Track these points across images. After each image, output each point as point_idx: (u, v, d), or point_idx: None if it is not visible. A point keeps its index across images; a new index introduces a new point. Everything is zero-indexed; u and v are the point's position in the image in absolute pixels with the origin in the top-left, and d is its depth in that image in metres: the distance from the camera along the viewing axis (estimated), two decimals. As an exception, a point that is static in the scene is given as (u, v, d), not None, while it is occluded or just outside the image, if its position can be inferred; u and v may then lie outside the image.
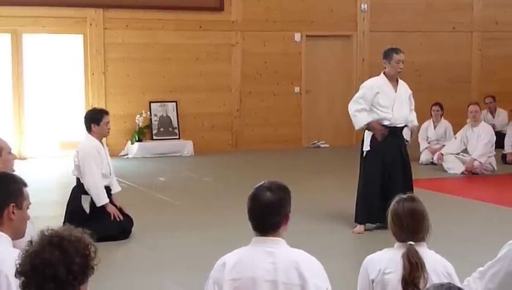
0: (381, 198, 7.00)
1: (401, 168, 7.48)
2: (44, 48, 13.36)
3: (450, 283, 2.33)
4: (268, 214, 3.31)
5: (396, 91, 7.54)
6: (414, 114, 7.79)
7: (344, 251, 6.93)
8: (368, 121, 7.44)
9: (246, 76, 14.29)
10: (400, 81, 7.65)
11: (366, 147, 7.51)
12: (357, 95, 7.64)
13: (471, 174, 11.13)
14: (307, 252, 3.40)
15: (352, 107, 7.57)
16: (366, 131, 7.56)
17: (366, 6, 15.01)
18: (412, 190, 7.29)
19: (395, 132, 7.53)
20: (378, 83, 7.58)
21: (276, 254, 3.28)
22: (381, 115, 7.46)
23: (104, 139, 7.38)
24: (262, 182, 3.42)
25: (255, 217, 3.34)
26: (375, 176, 7.41)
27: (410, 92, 7.73)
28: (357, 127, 7.64)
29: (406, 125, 7.69)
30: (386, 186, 7.29)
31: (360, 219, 7.47)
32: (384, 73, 7.59)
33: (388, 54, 7.53)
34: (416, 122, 7.84)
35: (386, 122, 7.47)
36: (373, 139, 7.47)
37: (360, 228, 7.40)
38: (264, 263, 3.27)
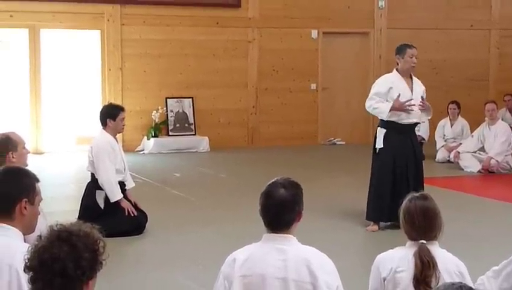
0: (393, 196, 6.95)
1: (413, 166, 7.40)
2: (62, 44, 13.43)
3: (461, 282, 2.32)
4: (282, 211, 3.31)
5: (410, 88, 7.45)
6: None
7: (356, 249, 6.91)
8: (390, 106, 7.30)
9: (262, 72, 14.29)
10: (414, 79, 7.56)
11: (379, 144, 7.43)
12: (370, 93, 7.57)
13: (488, 172, 11.07)
14: (319, 249, 3.39)
15: (369, 104, 7.49)
16: (379, 128, 7.49)
17: (383, 3, 14.95)
18: (422, 188, 7.25)
19: (408, 129, 7.47)
20: (391, 78, 7.51)
21: (287, 251, 3.28)
22: (395, 112, 7.37)
23: (118, 135, 7.40)
24: (276, 179, 3.42)
25: (268, 213, 3.34)
26: (387, 174, 7.34)
27: (424, 87, 7.62)
28: (385, 116, 7.38)
29: (418, 123, 7.66)
30: (399, 184, 7.24)
31: (371, 216, 7.43)
32: (397, 69, 7.51)
33: (401, 49, 7.46)
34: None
35: (399, 119, 7.35)
36: (386, 136, 7.40)
37: (374, 226, 7.37)
38: (274, 260, 3.26)
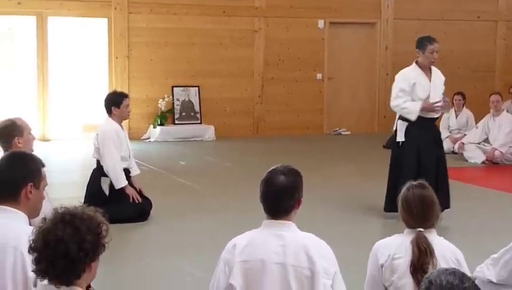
0: None
1: (434, 160, 7.26)
2: (69, 31, 13.47)
3: (455, 268, 2.36)
4: (281, 198, 3.36)
5: (430, 80, 7.34)
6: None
7: (357, 237, 6.96)
8: (419, 106, 7.22)
9: (268, 62, 14.32)
10: (433, 69, 7.43)
11: (401, 138, 7.32)
12: (395, 91, 7.40)
13: (492, 163, 11.10)
14: (320, 237, 3.44)
15: (396, 103, 7.35)
16: (399, 121, 7.37)
17: (390, -7, 14.95)
18: (445, 182, 7.23)
19: (429, 123, 7.37)
20: (412, 73, 7.36)
21: (286, 237, 3.33)
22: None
23: (124, 123, 7.45)
24: (276, 166, 3.46)
25: (268, 200, 3.39)
26: (409, 167, 7.19)
27: (444, 78, 7.51)
28: (414, 117, 7.27)
29: (439, 116, 7.57)
30: (420, 177, 7.11)
31: (388, 208, 7.33)
32: (416, 62, 7.38)
33: (421, 44, 7.32)
34: None
35: (421, 114, 7.27)
36: (407, 130, 7.29)
37: None
38: (273, 246, 3.31)
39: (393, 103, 7.40)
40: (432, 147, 7.31)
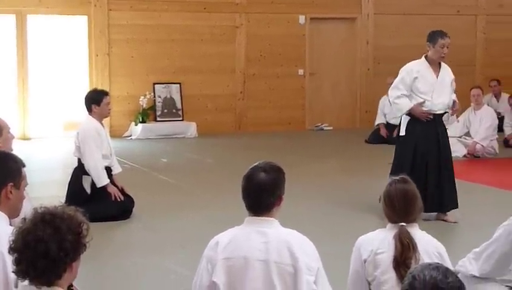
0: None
1: (435, 156, 7.13)
2: (49, 29, 13.39)
3: (438, 263, 2.37)
4: (262, 195, 3.35)
5: (437, 76, 7.22)
6: (454, 95, 7.45)
7: (340, 232, 6.96)
8: (410, 106, 7.14)
9: (249, 58, 14.30)
10: (443, 65, 7.32)
11: (402, 132, 7.26)
12: (396, 80, 7.31)
13: (473, 157, 11.16)
14: (302, 233, 3.44)
15: (392, 94, 7.28)
16: (404, 115, 7.29)
17: (371, -12, 14.97)
18: (447, 179, 7.14)
19: (433, 119, 7.20)
20: (418, 67, 7.24)
21: (268, 233, 3.32)
22: (419, 101, 7.16)
23: (105, 120, 7.42)
24: (257, 163, 3.46)
25: (249, 197, 3.39)
26: (405, 162, 7.10)
27: (453, 76, 7.41)
28: (399, 114, 7.30)
29: (446, 112, 7.32)
30: (417, 173, 6.89)
31: None
32: (426, 56, 7.26)
33: (433, 37, 7.21)
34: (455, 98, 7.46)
35: (424, 109, 7.17)
36: (409, 124, 7.21)
37: None
38: (256, 243, 3.30)
39: (391, 92, 7.33)
40: (433, 144, 7.15)
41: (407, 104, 7.18)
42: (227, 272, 3.29)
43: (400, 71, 7.40)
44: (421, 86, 7.18)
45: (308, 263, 3.27)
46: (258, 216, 3.37)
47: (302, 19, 14.61)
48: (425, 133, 7.15)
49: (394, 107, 7.41)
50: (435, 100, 7.18)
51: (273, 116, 14.41)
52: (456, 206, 7.21)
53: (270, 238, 3.31)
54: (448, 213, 7.19)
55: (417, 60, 7.37)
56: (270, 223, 3.37)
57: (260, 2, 14.28)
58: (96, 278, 5.47)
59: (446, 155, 7.28)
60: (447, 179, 7.19)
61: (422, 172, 7.07)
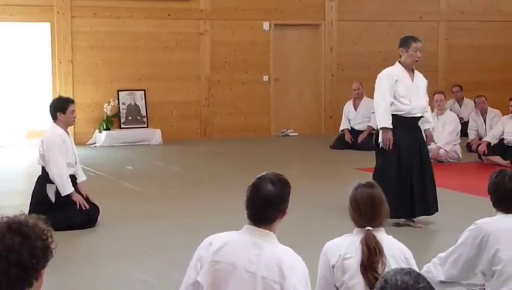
0: (397, 192, 6.82)
1: (418, 162, 7.15)
2: (11, 36, 13.24)
3: (411, 268, 2.38)
4: (267, 207, 3.32)
5: (413, 80, 7.26)
6: (429, 108, 7.51)
7: (307, 238, 6.98)
8: (389, 126, 7.08)
9: (214, 65, 14.30)
10: (416, 72, 7.37)
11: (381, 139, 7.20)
12: (383, 90, 7.18)
13: (437, 162, 11.22)
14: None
15: (382, 105, 7.16)
16: None
17: (334, -5, 15.07)
18: (431, 183, 7.17)
19: (413, 123, 7.25)
20: (396, 71, 7.26)
21: (263, 246, 3.29)
22: (399, 106, 7.16)
23: (69, 128, 7.35)
24: (265, 173, 3.41)
25: (252, 207, 3.34)
26: (390, 170, 7.09)
27: (426, 81, 7.47)
28: (380, 126, 7.19)
29: (421, 116, 7.35)
30: (403, 180, 7.02)
31: None
32: (399, 62, 7.30)
33: (406, 42, 7.27)
34: (431, 121, 7.57)
35: (402, 113, 7.17)
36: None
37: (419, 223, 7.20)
38: (249, 253, 3.28)
39: (381, 103, 7.18)
40: (414, 148, 7.17)
41: (383, 121, 7.12)
42: (214, 275, 3.28)
43: (378, 79, 7.34)
44: (401, 89, 7.20)
45: (296, 284, 3.21)
46: (258, 227, 3.34)
47: (266, 25, 14.65)
48: (406, 139, 7.16)
49: (379, 117, 7.23)
50: (413, 104, 7.22)
51: (238, 123, 14.41)
52: (437, 209, 7.25)
53: (263, 251, 3.27)
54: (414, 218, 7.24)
55: (391, 66, 7.40)
56: (268, 236, 3.33)
57: (225, 8, 14.29)
58: (62, 287, 5.42)
59: (427, 159, 7.35)
60: (430, 182, 7.25)
61: (408, 177, 7.12)
